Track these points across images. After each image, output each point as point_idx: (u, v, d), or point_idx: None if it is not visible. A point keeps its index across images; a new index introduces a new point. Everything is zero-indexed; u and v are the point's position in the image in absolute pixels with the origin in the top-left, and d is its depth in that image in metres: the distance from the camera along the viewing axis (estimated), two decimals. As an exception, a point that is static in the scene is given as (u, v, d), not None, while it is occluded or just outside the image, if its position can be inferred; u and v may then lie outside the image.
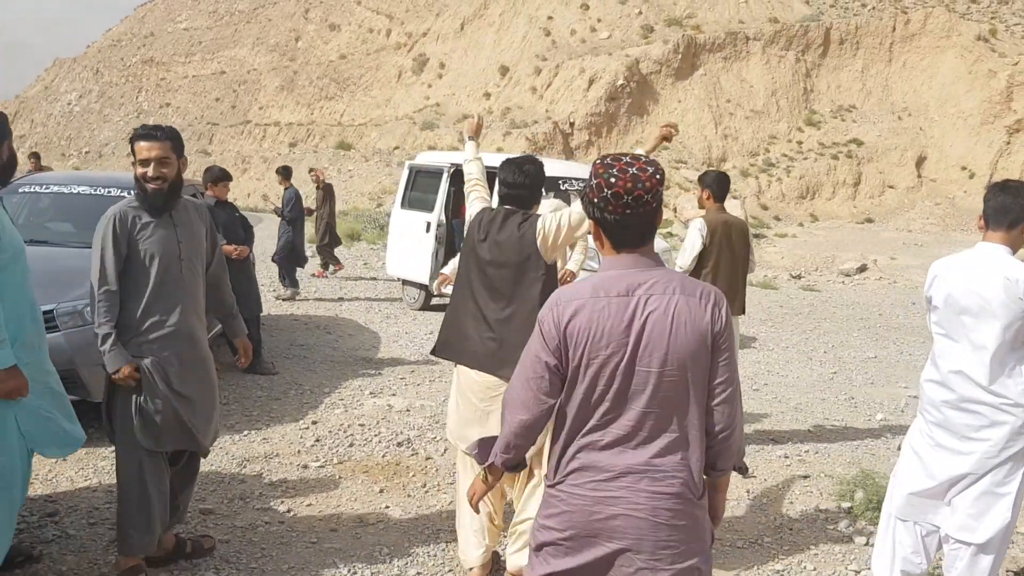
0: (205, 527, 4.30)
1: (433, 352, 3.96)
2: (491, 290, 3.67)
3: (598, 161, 2.26)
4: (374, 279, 14.26)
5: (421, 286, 11.06)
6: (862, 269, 24.24)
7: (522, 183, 3.76)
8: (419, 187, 11.29)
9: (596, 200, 2.21)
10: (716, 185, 5.73)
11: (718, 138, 52.28)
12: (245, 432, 5.82)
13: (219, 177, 7.40)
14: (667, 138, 4.05)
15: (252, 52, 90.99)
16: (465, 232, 3.91)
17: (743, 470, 2.53)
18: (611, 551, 2.23)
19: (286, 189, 12.04)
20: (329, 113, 73.90)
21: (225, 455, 5.35)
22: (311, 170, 14.18)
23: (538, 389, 2.29)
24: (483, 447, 2.62)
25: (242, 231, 7.52)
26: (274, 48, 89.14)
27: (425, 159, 11.75)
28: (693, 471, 2.25)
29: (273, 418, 6.14)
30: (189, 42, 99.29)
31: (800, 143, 53.50)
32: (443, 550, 4.21)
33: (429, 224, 10.70)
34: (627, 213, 2.18)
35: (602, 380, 2.22)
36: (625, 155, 2.26)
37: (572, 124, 50.77)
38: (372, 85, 74.18)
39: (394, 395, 6.90)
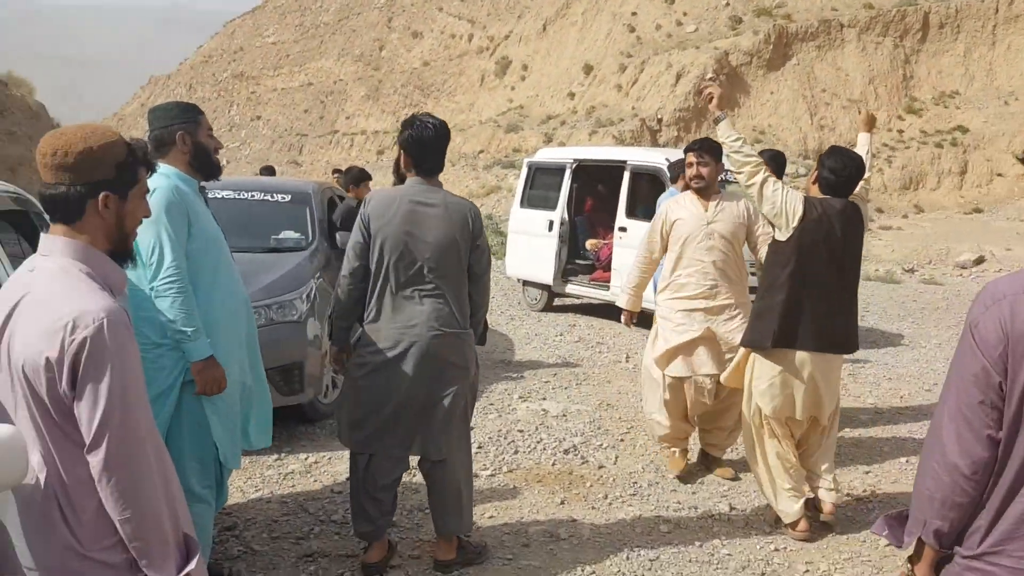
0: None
1: (774, 345, 4.12)
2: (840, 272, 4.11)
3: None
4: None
5: (543, 287, 10.77)
6: (979, 261, 22.98)
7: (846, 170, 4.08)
8: (539, 185, 10.99)
9: None
10: (773, 162, 5.28)
11: (814, 129, 50.62)
12: (404, 439, 5.60)
13: (360, 178, 7.25)
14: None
15: (338, 63, 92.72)
16: (795, 219, 4.04)
17: None
18: None
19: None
20: (414, 119, 74.70)
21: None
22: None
23: (981, 423, 1.72)
24: (891, 525, 2.00)
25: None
26: (359, 58, 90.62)
27: (545, 156, 11.46)
28: None
29: (428, 424, 5.90)
30: (277, 55, 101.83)
31: (901, 132, 51.35)
32: (647, 568, 3.88)
33: (552, 222, 10.40)
34: None
35: None
36: None
37: (660, 120, 49.88)
38: (455, 90, 74.63)
39: (545, 399, 6.61)
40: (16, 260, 2.35)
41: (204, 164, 3.19)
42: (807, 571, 3.92)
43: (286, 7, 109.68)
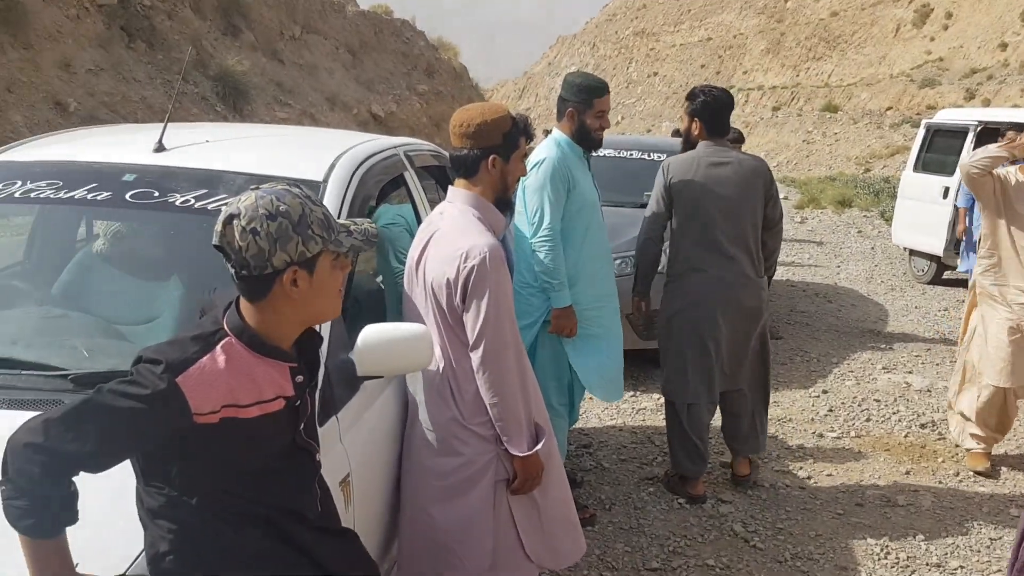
0: (726, 478, 4.39)
1: None
2: None
3: None
4: (872, 248, 13.36)
5: (933, 257, 10.06)
6: None
7: None
8: (937, 148, 10.20)
9: None
10: None
11: None
12: (754, 392, 5.83)
13: (736, 139, 7.44)
14: None
15: (739, 16, 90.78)
16: None
17: None
18: None
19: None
20: (816, 74, 70.93)
21: (737, 412, 5.42)
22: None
23: None
24: None
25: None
26: (762, 11, 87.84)
27: (947, 116, 10.59)
28: None
29: (781, 382, 6.06)
30: (679, 11, 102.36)
31: None
32: (985, 546, 3.77)
33: (947, 189, 9.64)
34: None
35: None
36: None
37: (1120, 73, 42.08)
38: (865, 42, 69.35)
39: (910, 372, 6.37)
40: (435, 204, 3.04)
41: (584, 140, 3.68)
42: None
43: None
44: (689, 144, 4.20)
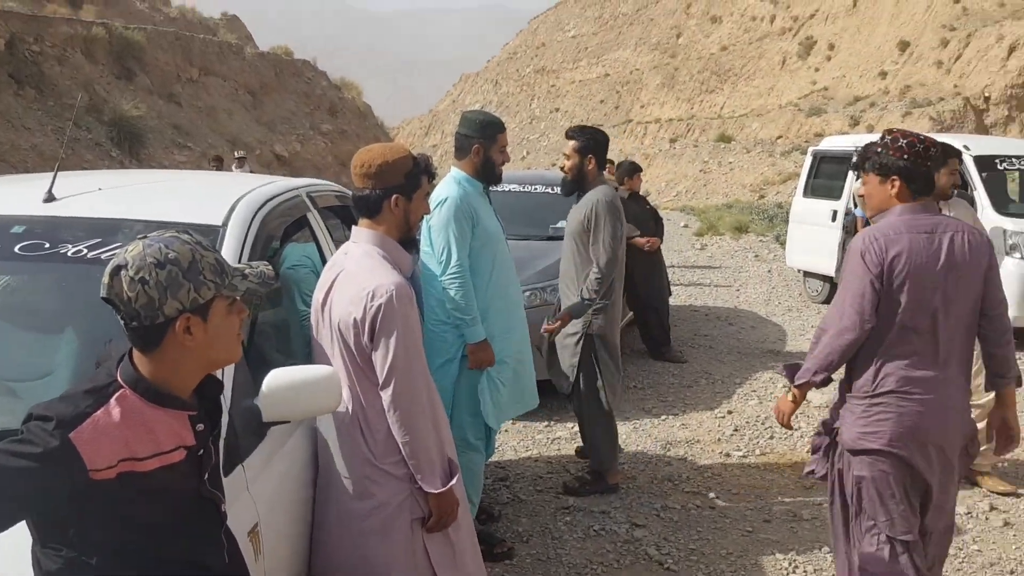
0: (639, 503, 4.47)
1: None
2: None
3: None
4: (768, 272, 13.86)
5: (825, 278, 10.51)
6: None
7: None
8: (824, 174, 10.72)
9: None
10: None
11: None
12: (663, 417, 5.96)
13: (632, 170, 7.67)
14: None
15: (635, 53, 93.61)
16: None
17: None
18: (928, 448, 2.73)
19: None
20: (709, 106, 73.52)
21: (648, 437, 5.54)
22: None
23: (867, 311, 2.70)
24: (790, 370, 2.99)
25: (652, 222, 7.72)
26: (656, 47, 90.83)
27: (831, 143, 11.15)
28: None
29: (688, 405, 6.22)
30: (576, 49, 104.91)
31: None
32: (888, 556, 3.93)
33: (835, 212, 10.13)
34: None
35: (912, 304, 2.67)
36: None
37: (987, 99, 45.00)
38: (754, 74, 72.38)
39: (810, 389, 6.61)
40: (340, 244, 3.06)
41: (488, 175, 3.76)
42: (1067, 579, 3.76)
43: (587, 1, 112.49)
44: (579, 182, 4.40)
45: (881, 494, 2.78)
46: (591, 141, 4.29)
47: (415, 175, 2.55)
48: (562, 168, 4.56)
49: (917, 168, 2.72)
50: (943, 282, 2.67)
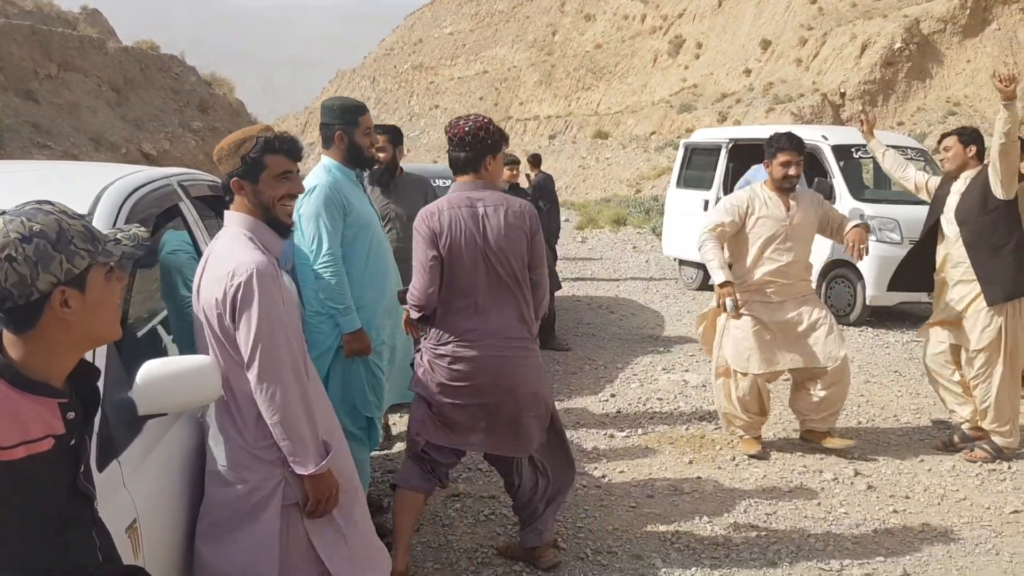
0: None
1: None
2: None
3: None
4: (646, 262, 14.29)
5: (699, 265, 10.92)
6: None
7: None
8: (695, 165, 11.14)
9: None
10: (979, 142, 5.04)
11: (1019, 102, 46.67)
12: (549, 403, 6.06)
13: (509, 162, 7.75)
14: None
15: (512, 50, 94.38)
16: None
17: None
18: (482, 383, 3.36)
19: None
20: (586, 103, 74.93)
21: (535, 424, 5.61)
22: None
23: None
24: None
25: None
26: (532, 44, 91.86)
27: (702, 136, 11.59)
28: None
29: (573, 391, 6.35)
30: (454, 46, 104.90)
31: (1121, 98, 46.44)
32: (762, 521, 4.14)
33: (707, 202, 10.52)
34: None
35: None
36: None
37: (843, 95, 47.63)
38: (628, 72, 74.21)
39: (687, 371, 6.88)
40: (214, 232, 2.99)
41: (357, 159, 3.71)
42: (922, 531, 4.05)
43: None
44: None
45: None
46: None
47: (256, 157, 2.48)
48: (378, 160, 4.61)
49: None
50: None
